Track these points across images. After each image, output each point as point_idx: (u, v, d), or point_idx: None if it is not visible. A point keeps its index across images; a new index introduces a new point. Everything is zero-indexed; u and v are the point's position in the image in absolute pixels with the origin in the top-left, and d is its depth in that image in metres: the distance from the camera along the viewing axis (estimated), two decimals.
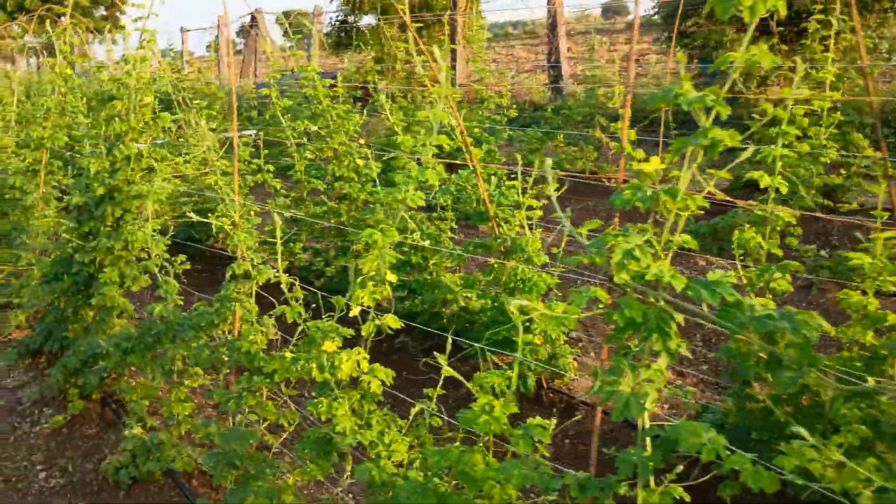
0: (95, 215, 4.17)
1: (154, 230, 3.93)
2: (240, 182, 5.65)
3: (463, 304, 4.44)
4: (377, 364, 2.55)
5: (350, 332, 2.56)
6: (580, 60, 16.07)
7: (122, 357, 3.77)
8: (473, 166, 3.81)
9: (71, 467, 3.75)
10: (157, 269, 3.74)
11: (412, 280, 4.58)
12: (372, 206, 4.93)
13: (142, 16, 4.41)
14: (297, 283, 2.84)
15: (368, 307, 2.49)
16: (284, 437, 3.14)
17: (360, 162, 4.86)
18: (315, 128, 5.06)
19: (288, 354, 2.82)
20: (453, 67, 13.75)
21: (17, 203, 5.76)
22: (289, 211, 5.77)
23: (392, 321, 2.51)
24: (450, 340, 2.48)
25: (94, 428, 4.11)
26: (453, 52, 11.97)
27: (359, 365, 2.50)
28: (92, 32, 34.94)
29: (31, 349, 4.73)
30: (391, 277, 2.47)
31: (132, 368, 4.23)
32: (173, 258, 3.84)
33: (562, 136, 8.33)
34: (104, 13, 38.29)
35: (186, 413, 3.48)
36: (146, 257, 4.08)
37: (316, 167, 5.56)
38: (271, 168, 5.81)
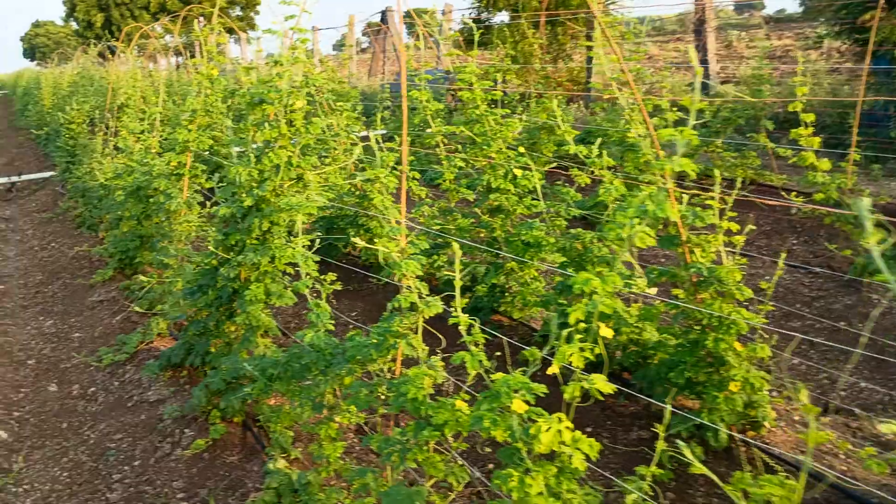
0: (242, 227, 3.92)
1: (303, 245, 3.63)
2: (380, 188, 5.34)
3: (635, 336, 3.92)
4: (579, 433, 2.10)
5: (543, 389, 2.12)
6: (720, 58, 15.09)
7: (266, 384, 3.49)
8: (664, 183, 3.28)
9: (213, 502, 3.49)
10: (307, 291, 3.43)
11: None
12: (530, 221, 4.48)
13: (293, 14, 4.14)
14: (477, 323, 2.41)
15: (574, 367, 2.03)
16: (453, 497, 2.73)
17: (519, 172, 4.42)
18: (469, 133, 4.66)
19: (459, 404, 2.42)
20: (589, 66, 13.12)
21: (161, 207, 5.66)
22: (433, 222, 5.41)
23: (602, 384, 2.04)
24: (668, 410, 2.00)
25: (235, 454, 3.86)
26: (589, 49, 11.38)
27: (559, 433, 2.06)
28: (228, 33, 36.27)
29: (172, 362, 4.57)
30: (606, 332, 2.00)
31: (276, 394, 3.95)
32: (323, 277, 3.52)
33: (720, 140, 7.62)
34: (240, 13, 39.68)
35: (337, 454, 3.14)
36: (291, 272, 3.81)
37: (465, 175, 5.17)
38: (416, 175, 5.47)
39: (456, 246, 2.43)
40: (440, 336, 2.71)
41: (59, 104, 16.63)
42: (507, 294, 4.89)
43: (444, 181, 5.09)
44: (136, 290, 6.31)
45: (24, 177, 12.95)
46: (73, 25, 50.52)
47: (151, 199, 6.53)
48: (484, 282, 4.85)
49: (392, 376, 2.97)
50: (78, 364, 5.47)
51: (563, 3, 13.83)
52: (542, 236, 4.28)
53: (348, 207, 5.51)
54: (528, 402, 2.12)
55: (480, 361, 2.35)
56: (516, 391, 2.13)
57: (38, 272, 8.09)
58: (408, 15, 13.22)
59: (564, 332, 2.02)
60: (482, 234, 4.81)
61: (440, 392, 2.72)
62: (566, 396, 2.08)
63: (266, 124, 3.88)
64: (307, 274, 3.50)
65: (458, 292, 2.40)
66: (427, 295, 2.80)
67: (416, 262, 2.76)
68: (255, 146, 3.99)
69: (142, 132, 8.15)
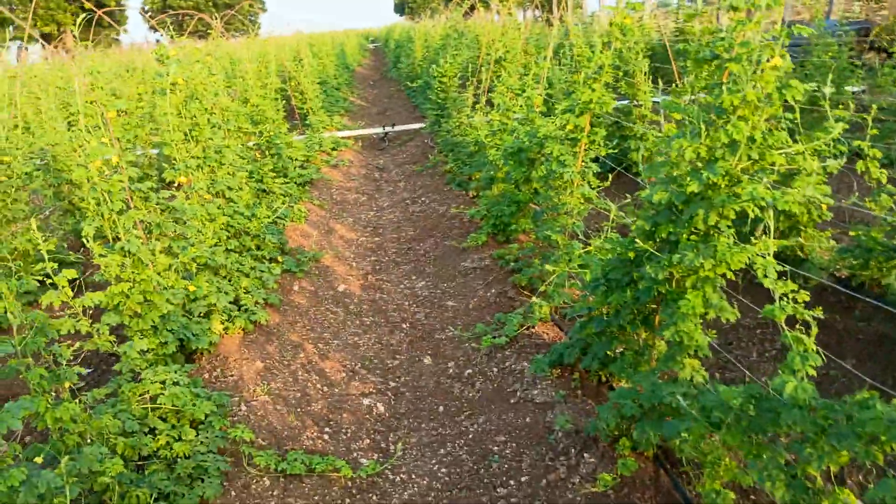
0: (679, 219, 3.08)
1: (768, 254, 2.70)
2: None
3: None
4: None
5: None
6: None
7: (706, 429, 2.67)
8: None
9: None
10: (781, 316, 2.50)
11: None
12: None
13: None
14: None
15: None
16: None
17: None
18: None
19: None
20: None
21: (550, 173, 5.05)
22: None
23: None
24: None
25: (646, 499, 3.11)
26: None
27: None
28: None
29: (563, 361, 3.94)
30: None
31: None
32: (794, 294, 2.57)
33: None
34: None
35: None
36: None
37: None
38: (877, 154, 4.18)
39: None
40: None
41: (430, 57, 17.28)
42: None
43: None
44: (510, 261, 5.87)
45: (396, 128, 13.54)
46: None
47: (536, 163, 6.02)
48: None
49: None
50: (452, 338, 5.15)
51: None
52: None
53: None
54: None
55: None
56: None
57: (410, 227, 8.14)
58: None
59: None
60: None
61: None
62: None
63: (725, 87, 2.97)
64: (783, 295, 2.57)
65: None
66: None
67: None
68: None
69: (522, 89, 7.72)
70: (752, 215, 2.84)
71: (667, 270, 3.08)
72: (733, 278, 3.05)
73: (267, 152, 8.77)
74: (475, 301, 5.49)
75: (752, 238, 2.86)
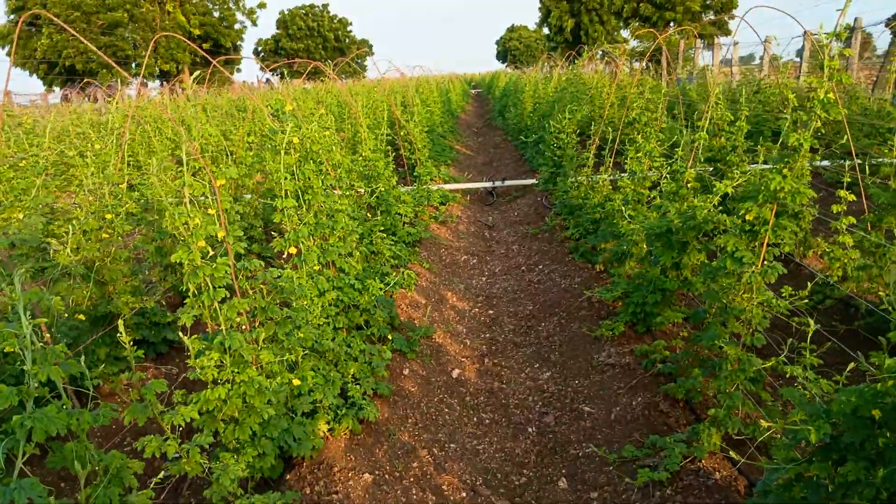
0: None
1: None
2: None
3: None
4: None
5: None
6: None
7: None
8: None
9: None
10: None
11: None
12: None
13: None
14: None
15: None
16: None
17: None
18: None
19: None
20: None
21: (720, 269, 4.22)
22: None
23: None
24: None
25: None
26: None
27: None
28: (699, 38, 34.46)
29: None
30: None
31: None
32: None
33: None
34: (713, 18, 37.44)
35: None
36: None
37: None
38: None
39: None
40: None
41: (541, 110, 16.66)
42: None
43: None
44: (655, 361, 5.02)
45: (506, 182, 12.89)
46: (544, 31, 53.38)
47: (689, 248, 5.20)
48: None
49: None
50: (591, 457, 4.34)
51: None
52: None
53: None
54: None
55: None
56: None
57: (528, 300, 7.38)
58: None
59: None
60: None
61: None
62: None
63: None
64: None
65: None
66: None
67: None
68: None
69: (662, 157, 6.93)
70: None
71: None
72: None
73: (377, 210, 8.23)
74: (618, 411, 4.67)
75: None
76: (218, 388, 3.25)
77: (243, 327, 3.87)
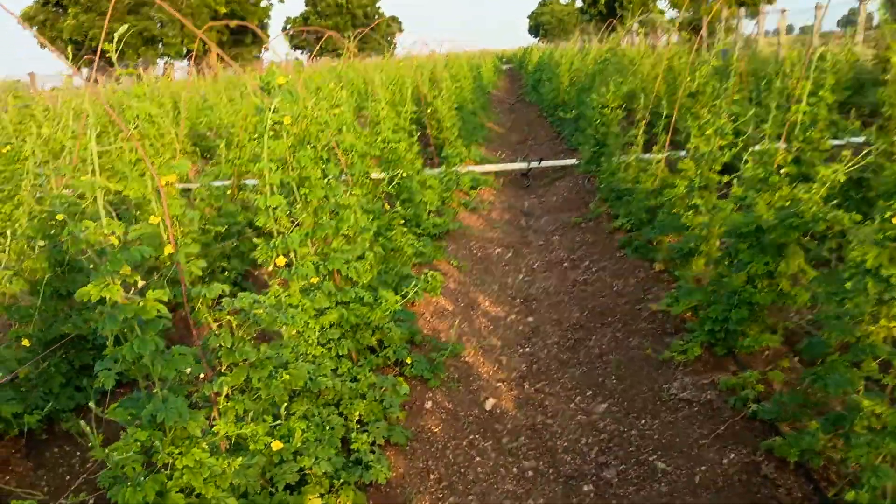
0: None
1: None
2: None
3: None
4: None
5: None
6: None
7: None
8: None
9: None
10: None
11: None
12: None
13: None
14: None
15: None
16: None
17: None
18: None
19: None
20: None
21: (851, 293, 3.09)
22: None
23: None
24: None
25: None
26: None
27: None
28: (739, 6, 32.91)
29: None
30: None
31: None
32: None
33: None
34: None
35: None
36: None
37: None
38: None
39: None
40: None
41: (579, 84, 15.42)
42: None
43: None
44: (748, 399, 3.91)
45: (543, 163, 11.71)
46: (577, 3, 51.65)
47: (787, 251, 4.07)
48: None
49: None
50: None
51: None
52: None
53: None
54: None
55: None
56: None
57: (574, 305, 6.28)
58: None
59: None
60: None
61: None
62: None
63: None
64: None
65: None
66: None
67: None
68: None
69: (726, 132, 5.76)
70: None
71: None
72: None
73: (397, 200, 7.17)
74: (703, 471, 3.56)
75: None
76: (144, 487, 2.22)
77: (200, 376, 2.84)
